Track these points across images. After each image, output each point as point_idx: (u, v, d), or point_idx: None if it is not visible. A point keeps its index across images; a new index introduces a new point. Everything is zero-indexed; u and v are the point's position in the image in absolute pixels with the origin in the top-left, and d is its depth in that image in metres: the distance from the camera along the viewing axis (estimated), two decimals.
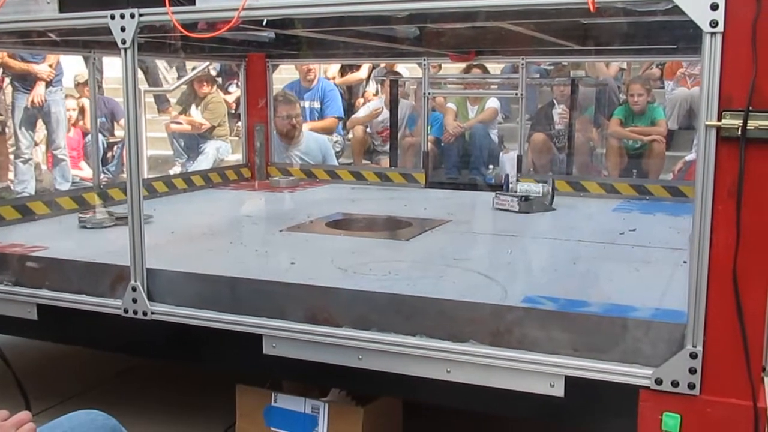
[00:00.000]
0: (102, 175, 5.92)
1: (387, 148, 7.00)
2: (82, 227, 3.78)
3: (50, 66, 7.52)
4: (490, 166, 6.97)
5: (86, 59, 6.09)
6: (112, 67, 8.74)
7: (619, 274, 2.82)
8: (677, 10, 1.85)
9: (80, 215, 3.91)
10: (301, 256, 3.10)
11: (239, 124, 6.76)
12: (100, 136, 7.16)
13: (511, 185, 4.39)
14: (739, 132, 1.81)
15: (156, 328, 2.54)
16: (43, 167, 8.29)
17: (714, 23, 1.82)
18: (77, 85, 8.57)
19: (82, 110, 8.47)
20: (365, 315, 2.32)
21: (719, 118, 1.83)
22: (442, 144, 7.26)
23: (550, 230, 3.77)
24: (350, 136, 7.76)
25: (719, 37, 1.82)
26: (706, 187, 1.86)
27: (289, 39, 4.26)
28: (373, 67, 8.56)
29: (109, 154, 8.49)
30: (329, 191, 5.02)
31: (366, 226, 3.86)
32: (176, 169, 8.02)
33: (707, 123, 1.84)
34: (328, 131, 7.52)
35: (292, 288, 2.54)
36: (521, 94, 4.85)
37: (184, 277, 2.69)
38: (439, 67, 7.43)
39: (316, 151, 6.05)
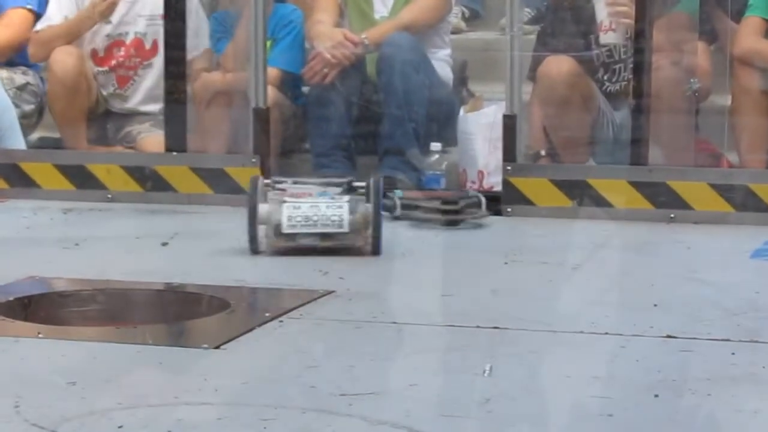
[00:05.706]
0: None
1: (145, 99, 5.56)
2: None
3: None
4: (435, 145, 5.25)
5: None
6: None
7: None
8: None
9: None
10: None
11: None
12: None
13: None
14: None
15: None
16: None
17: None
18: None
19: None
20: None
21: None
22: (305, 88, 5.70)
23: (595, 299, 3.03)
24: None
25: None
26: None
27: None
28: None
29: None
30: (7, 217, 4.20)
31: (104, 313, 3.07)
32: None
33: None
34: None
35: None
36: None
37: None
38: None
39: None
